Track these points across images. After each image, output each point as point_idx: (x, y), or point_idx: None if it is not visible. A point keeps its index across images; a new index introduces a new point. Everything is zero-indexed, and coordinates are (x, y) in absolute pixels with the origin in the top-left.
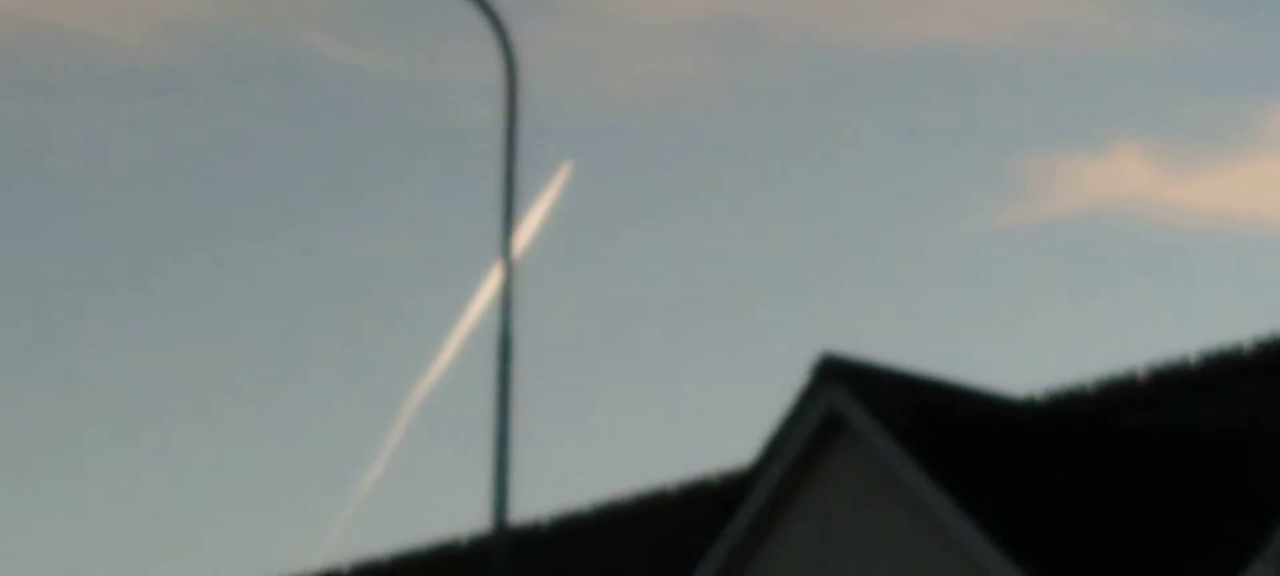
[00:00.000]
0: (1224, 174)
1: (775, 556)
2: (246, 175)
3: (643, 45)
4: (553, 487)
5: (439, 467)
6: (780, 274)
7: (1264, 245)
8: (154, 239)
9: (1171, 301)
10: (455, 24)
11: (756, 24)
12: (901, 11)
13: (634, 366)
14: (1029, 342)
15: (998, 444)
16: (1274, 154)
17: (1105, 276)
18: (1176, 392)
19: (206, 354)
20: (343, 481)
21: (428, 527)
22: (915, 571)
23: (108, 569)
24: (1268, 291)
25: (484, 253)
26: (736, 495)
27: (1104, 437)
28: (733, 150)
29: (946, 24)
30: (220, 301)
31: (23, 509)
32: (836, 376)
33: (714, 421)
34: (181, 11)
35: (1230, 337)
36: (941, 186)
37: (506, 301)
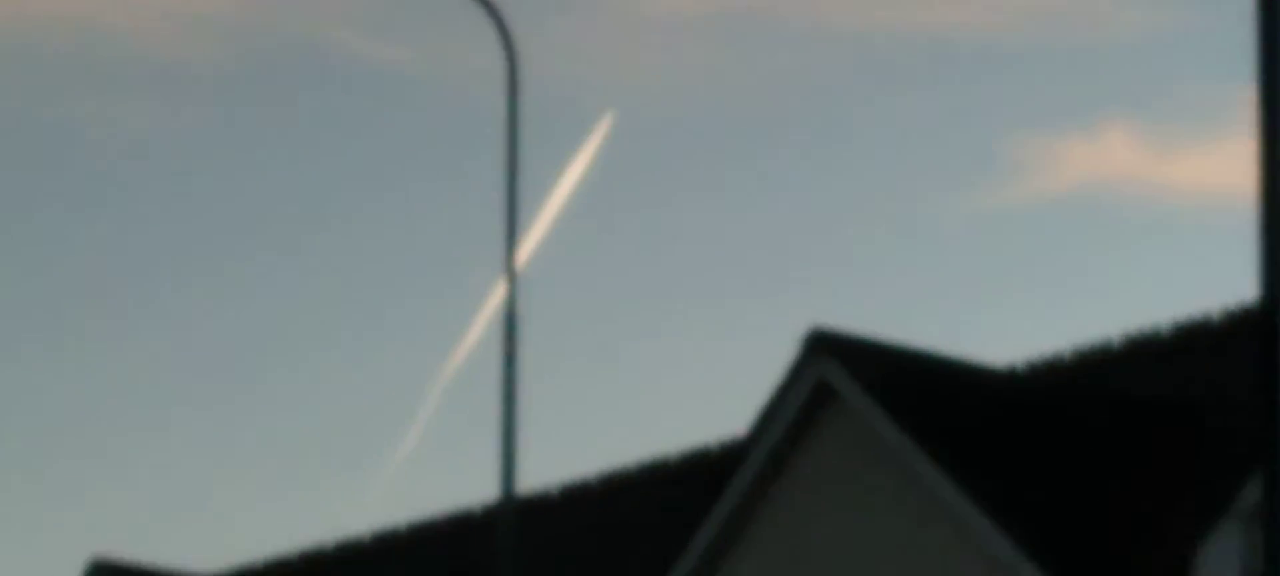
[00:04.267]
0: (1207, 154)
1: (770, 521)
2: (273, 166)
3: (649, 38)
4: (560, 459)
5: (461, 444)
6: (779, 252)
7: (1242, 220)
8: (185, 230)
9: (1153, 275)
10: (469, 18)
11: (759, 15)
12: (900, 1)
13: (639, 343)
14: (1017, 316)
15: (980, 411)
16: (1254, 135)
17: (1091, 253)
18: (1149, 360)
19: (243, 342)
20: (372, 458)
21: (452, 499)
22: (903, 535)
23: (149, 537)
24: (1243, 264)
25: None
26: (733, 464)
27: (1081, 403)
28: (734, 136)
29: (943, 12)
30: (254, 291)
31: (64, 495)
32: (826, 349)
33: (715, 393)
34: (210, 8)
35: (1202, 309)
36: (936, 168)
37: (511, 282)
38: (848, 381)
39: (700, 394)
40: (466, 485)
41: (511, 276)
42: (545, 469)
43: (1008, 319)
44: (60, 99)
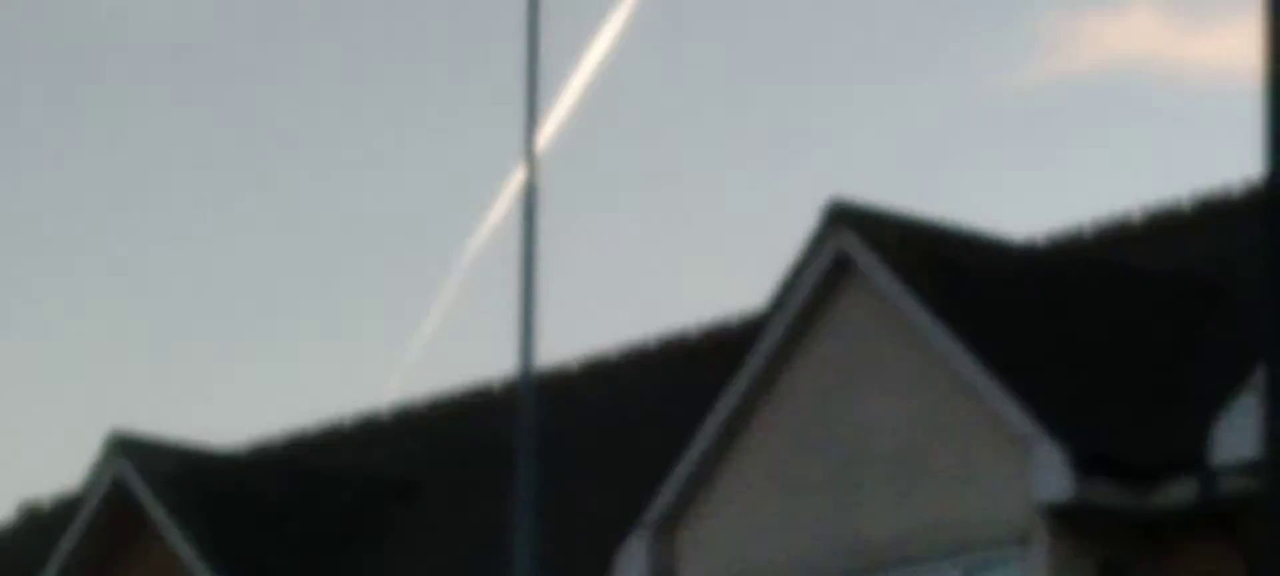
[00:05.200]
0: (1231, 33)
1: (788, 394)
2: (280, 56)
3: None
4: (580, 335)
5: (482, 322)
6: (800, 123)
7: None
8: (206, 115)
9: (1175, 150)
10: None
11: None
12: None
13: (660, 217)
14: (1038, 190)
15: (1000, 284)
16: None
17: (1113, 128)
18: (1169, 233)
19: (263, 223)
20: (393, 338)
21: (473, 376)
22: (921, 408)
23: (167, 411)
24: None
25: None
26: (751, 338)
27: (1100, 276)
28: (761, 10)
29: None
30: (281, 171)
31: (81, 369)
32: (845, 221)
33: (736, 267)
34: None
35: (1222, 181)
36: (961, 42)
37: (531, 157)
38: (866, 253)
39: (721, 268)
40: (487, 363)
41: (531, 155)
42: (565, 344)
43: (1029, 192)
44: None
